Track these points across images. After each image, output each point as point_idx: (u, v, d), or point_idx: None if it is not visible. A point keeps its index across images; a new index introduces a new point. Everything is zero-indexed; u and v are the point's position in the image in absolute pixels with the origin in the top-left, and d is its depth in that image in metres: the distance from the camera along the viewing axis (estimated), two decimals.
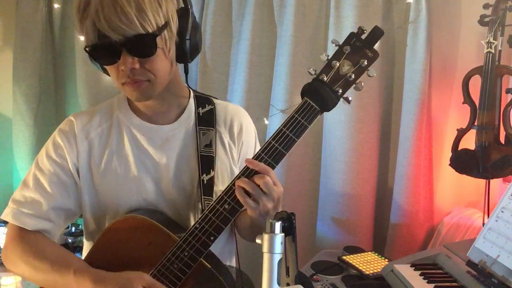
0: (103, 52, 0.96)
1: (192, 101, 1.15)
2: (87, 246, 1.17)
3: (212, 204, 0.99)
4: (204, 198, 1.07)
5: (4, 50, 2.40)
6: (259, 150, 0.99)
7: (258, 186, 0.95)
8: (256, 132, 1.25)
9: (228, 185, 0.99)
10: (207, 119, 1.14)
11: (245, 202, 0.95)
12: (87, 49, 0.96)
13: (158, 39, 0.95)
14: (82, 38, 2.18)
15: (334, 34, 1.92)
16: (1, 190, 2.41)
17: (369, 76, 1.02)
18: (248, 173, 0.97)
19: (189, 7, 1.03)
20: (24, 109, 2.31)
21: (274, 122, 2.01)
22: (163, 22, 0.96)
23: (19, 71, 2.29)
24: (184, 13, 1.02)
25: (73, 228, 2.24)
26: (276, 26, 2.04)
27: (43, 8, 2.28)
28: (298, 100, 1.01)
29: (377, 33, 1.00)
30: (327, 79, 0.99)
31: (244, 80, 2.05)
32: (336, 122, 1.95)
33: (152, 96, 1.03)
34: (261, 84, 2.09)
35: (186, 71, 1.11)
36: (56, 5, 2.30)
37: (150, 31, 0.94)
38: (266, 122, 2.06)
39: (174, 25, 1.00)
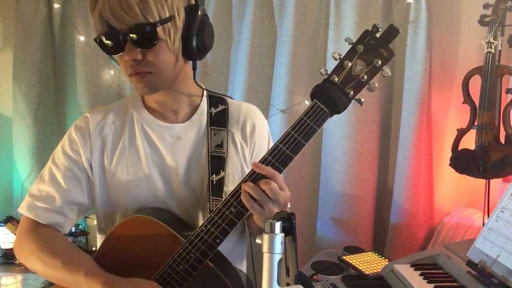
0: (110, 43, 0.98)
1: (204, 100, 1.16)
2: (100, 240, 1.18)
3: (219, 207, 0.98)
4: (212, 198, 1.07)
5: (4, 50, 2.40)
6: (266, 153, 0.97)
7: (264, 191, 0.94)
8: (270, 132, 1.23)
9: (234, 189, 0.98)
10: (219, 119, 1.14)
11: (250, 208, 0.94)
12: (96, 40, 0.99)
13: (160, 30, 0.96)
14: (82, 38, 2.21)
15: (334, 34, 1.92)
16: (1, 190, 2.41)
17: (383, 76, 0.97)
18: (254, 176, 0.96)
19: (198, 4, 1.03)
20: (24, 109, 2.30)
21: (274, 122, 2.01)
22: (167, 15, 0.97)
23: (19, 71, 2.28)
24: (192, 9, 1.02)
25: (73, 228, 2.23)
26: (276, 26, 2.04)
27: (43, 8, 2.27)
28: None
29: (392, 31, 0.96)
30: (338, 80, 0.96)
31: (244, 80, 2.05)
32: (336, 122, 1.95)
33: (156, 88, 1.04)
34: (261, 84, 2.09)
35: (194, 68, 1.10)
36: (56, 5, 2.29)
37: (152, 21, 0.95)
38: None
39: (180, 19, 1.00)
